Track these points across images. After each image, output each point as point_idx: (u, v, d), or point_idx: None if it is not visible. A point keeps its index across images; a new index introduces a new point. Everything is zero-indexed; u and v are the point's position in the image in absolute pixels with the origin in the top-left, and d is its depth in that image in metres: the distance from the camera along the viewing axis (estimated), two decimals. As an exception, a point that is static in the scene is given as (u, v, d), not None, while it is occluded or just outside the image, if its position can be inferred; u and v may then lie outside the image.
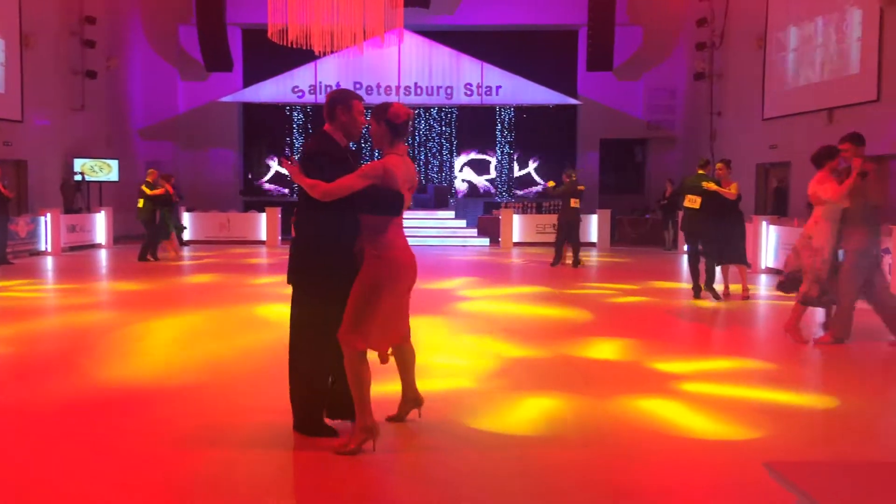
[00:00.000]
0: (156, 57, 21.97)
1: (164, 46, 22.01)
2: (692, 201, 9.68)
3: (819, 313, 7.95)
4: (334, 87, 21.46)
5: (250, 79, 22.10)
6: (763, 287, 11.31)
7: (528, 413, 4.73)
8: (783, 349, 6.85)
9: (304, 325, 4.11)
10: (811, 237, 6.93)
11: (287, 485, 3.71)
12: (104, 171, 18.84)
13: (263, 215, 19.39)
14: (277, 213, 19.32)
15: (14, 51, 16.62)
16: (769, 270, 13.17)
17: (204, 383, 5.49)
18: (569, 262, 14.00)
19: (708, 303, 9.53)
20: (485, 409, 4.77)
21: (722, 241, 9.56)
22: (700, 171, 9.87)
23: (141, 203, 14.42)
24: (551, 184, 14.61)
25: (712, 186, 9.49)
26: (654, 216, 20.04)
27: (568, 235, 13.84)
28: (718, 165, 9.83)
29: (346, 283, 3.95)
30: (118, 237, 18.57)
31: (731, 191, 9.47)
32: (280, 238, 19.36)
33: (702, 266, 9.79)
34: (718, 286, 9.78)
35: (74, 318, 8.35)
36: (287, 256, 4.22)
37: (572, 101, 21.53)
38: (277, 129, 23.10)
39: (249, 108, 22.84)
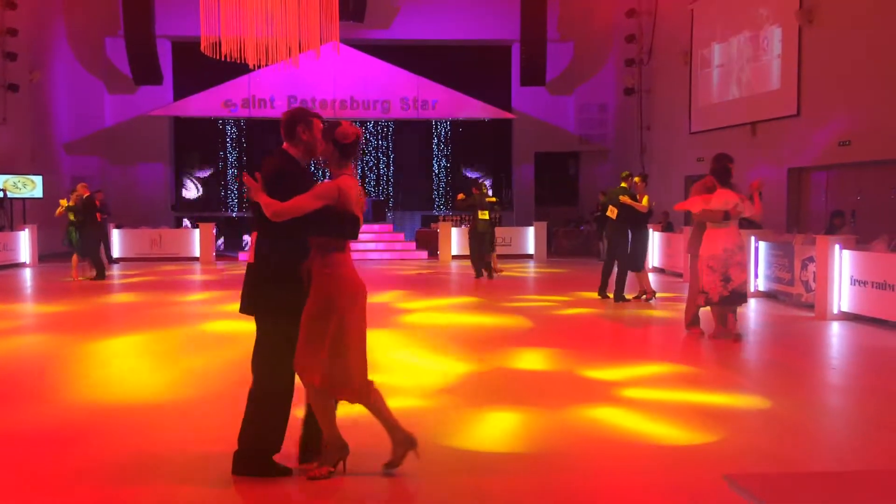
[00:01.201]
0: (81, 70, 21.32)
1: (91, 59, 21.39)
2: (612, 212, 10.59)
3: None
4: (268, 101, 21.23)
5: (181, 92, 21.66)
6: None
7: (487, 429, 4.74)
8: (703, 352, 7.09)
9: (265, 355, 3.88)
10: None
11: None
12: (28, 187, 18.14)
13: (197, 231, 18.97)
14: (212, 228, 18.94)
15: (-71, 62, 15.88)
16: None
17: (140, 409, 5.33)
18: (493, 273, 14.10)
19: (630, 310, 9.98)
20: (444, 427, 4.74)
21: (632, 249, 10.54)
22: (623, 185, 10.54)
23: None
24: (461, 196, 14.57)
25: (626, 200, 10.30)
26: (589, 228, 20.45)
27: (479, 247, 13.93)
28: (636, 179, 10.60)
29: (287, 310, 3.79)
30: (43, 255, 17.85)
31: (643, 204, 10.32)
32: (215, 255, 18.98)
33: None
34: (629, 294, 10.66)
35: (1, 343, 7.99)
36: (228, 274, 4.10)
37: (507, 115, 21.85)
38: (210, 142, 22.68)
39: (180, 122, 22.38)
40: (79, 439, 4.62)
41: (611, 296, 10.71)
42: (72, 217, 13.60)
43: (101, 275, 13.78)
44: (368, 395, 3.84)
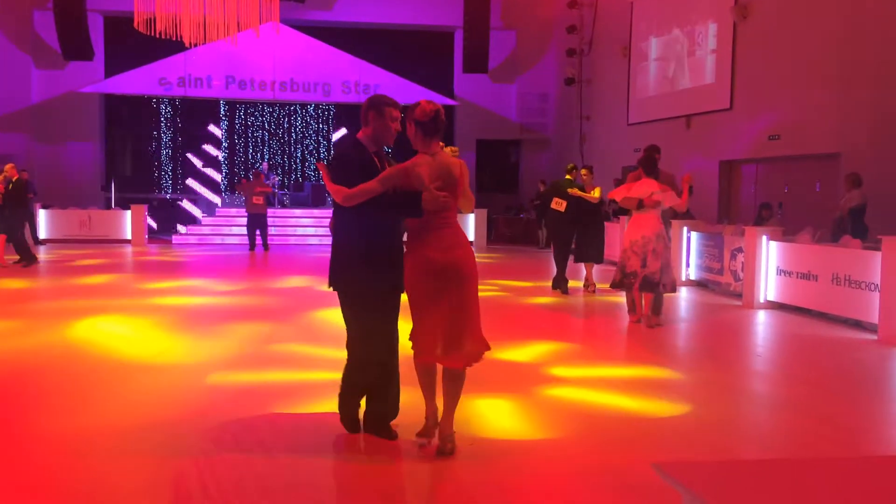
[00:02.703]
0: (7, 43, 20.40)
1: (17, 32, 20.49)
2: (558, 204, 10.36)
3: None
4: (205, 80, 20.70)
5: (113, 68, 20.94)
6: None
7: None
8: (630, 339, 7.26)
9: (351, 329, 4.17)
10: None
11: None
12: (-54, 164, 17.27)
13: (128, 212, 18.41)
14: (143, 210, 18.41)
15: None
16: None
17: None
18: None
19: (559, 298, 10.18)
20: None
21: (583, 241, 10.54)
22: (568, 177, 10.50)
23: None
24: None
25: (577, 192, 10.23)
26: (528, 216, 20.64)
27: None
28: (583, 171, 10.60)
29: (384, 286, 4.04)
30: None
31: (594, 195, 10.27)
32: (147, 237, 18.49)
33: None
34: (574, 282, 10.81)
35: None
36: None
37: (449, 101, 21.82)
38: (144, 121, 22.02)
39: (112, 100, 21.65)
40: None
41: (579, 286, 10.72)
42: None
43: (31, 259, 12.97)
44: (478, 357, 4.01)
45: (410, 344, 4.02)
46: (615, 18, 19.05)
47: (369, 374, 4.15)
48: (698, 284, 11.53)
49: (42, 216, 17.95)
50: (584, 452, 4.17)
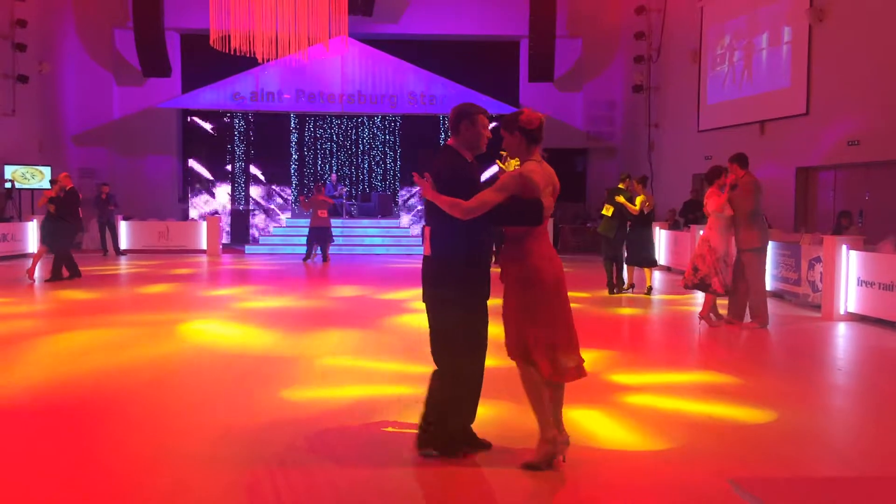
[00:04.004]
0: (90, 61, 21.35)
1: (100, 51, 21.41)
2: (606, 209, 11.29)
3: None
4: (276, 94, 21.23)
5: (189, 84, 21.67)
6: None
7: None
8: (707, 353, 7.08)
9: (443, 344, 4.04)
10: (709, 241, 8.30)
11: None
12: (36, 178, 18.20)
13: (204, 224, 19.02)
14: (218, 221, 18.99)
15: (-61, 53, 15.94)
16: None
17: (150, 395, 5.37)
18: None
19: (634, 308, 10.11)
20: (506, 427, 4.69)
21: (633, 246, 11.27)
22: (620, 185, 11.30)
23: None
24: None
25: (621, 199, 11.04)
26: (595, 225, 20.38)
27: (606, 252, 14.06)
28: (635, 180, 11.31)
29: (483, 298, 3.99)
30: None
31: (635, 205, 10.95)
32: (221, 247, 19.04)
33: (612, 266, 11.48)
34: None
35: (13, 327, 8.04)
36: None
37: (514, 110, 21.75)
38: (218, 135, 22.71)
39: (188, 115, 22.39)
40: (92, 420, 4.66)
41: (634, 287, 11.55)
42: (52, 210, 12.52)
43: (57, 276, 12.48)
44: (581, 373, 3.92)
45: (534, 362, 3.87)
46: (684, 23, 18.71)
47: (473, 384, 4.09)
48: (774, 295, 11.19)
49: (123, 227, 18.68)
50: (660, 462, 4.10)
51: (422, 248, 4.09)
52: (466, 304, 3.96)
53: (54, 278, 12.45)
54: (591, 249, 19.54)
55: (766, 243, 8.49)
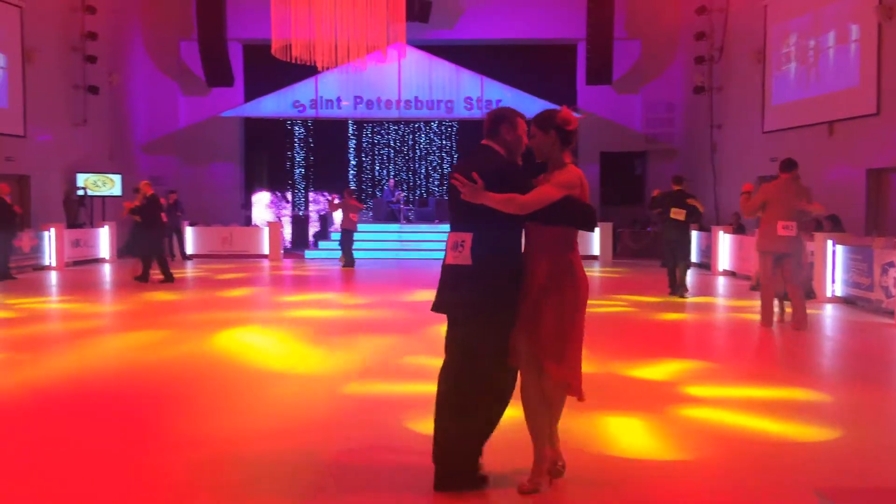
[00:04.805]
0: (157, 72, 22.04)
1: (166, 61, 22.09)
2: (678, 213, 11.15)
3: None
4: (334, 102, 21.54)
5: (251, 93, 22.18)
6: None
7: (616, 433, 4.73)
8: (779, 360, 6.89)
9: (471, 358, 3.70)
10: None
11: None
12: (107, 185, 18.87)
13: (266, 229, 19.44)
14: (279, 227, 19.40)
15: (16, 66, 16.68)
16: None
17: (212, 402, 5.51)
18: None
19: (701, 314, 9.74)
20: (576, 433, 4.62)
21: (679, 248, 11.50)
22: (678, 188, 11.39)
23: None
24: (656, 192, 15.10)
25: (694, 202, 11.19)
26: (655, 229, 20.08)
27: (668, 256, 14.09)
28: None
29: (513, 309, 3.71)
30: (122, 251, 18.57)
31: (699, 206, 11.38)
32: (282, 252, 19.42)
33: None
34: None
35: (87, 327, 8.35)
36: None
37: (572, 110, 21.60)
38: (278, 143, 23.16)
39: (250, 123, 22.90)
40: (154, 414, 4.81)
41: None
42: (137, 219, 13.33)
43: (145, 278, 13.09)
44: (563, 393, 3.76)
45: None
46: (747, 23, 18.30)
47: (503, 405, 3.83)
48: (844, 301, 10.85)
49: (189, 233, 19.21)
50: (721, 476, 4.03)
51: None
52: (508, 317, 3.72)
53: (143, 279, 13.07)
54: (650, 254, 19.26)
55: (765, 248, 8.35)
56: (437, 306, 3.84)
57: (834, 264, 11.06)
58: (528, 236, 3.76)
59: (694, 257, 16.54)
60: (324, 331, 8.55)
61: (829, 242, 11.13)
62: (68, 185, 18.42)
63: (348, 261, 16.74)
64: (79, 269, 15.98)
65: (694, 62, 20.32)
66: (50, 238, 15.78)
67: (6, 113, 16.35)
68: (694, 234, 16.17)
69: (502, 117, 3.88)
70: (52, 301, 11.56)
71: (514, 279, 3.72)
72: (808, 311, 8.56)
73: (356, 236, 17.36)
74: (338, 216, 17.88)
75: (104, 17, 19.48)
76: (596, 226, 3.82)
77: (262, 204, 23.28)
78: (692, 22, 20.21)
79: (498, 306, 3.69)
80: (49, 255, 15.78)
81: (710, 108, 20.03)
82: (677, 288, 11.47)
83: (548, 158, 3.83)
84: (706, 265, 16.23)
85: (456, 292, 3.72)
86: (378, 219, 21.41)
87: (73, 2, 18.59)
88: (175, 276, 13.64)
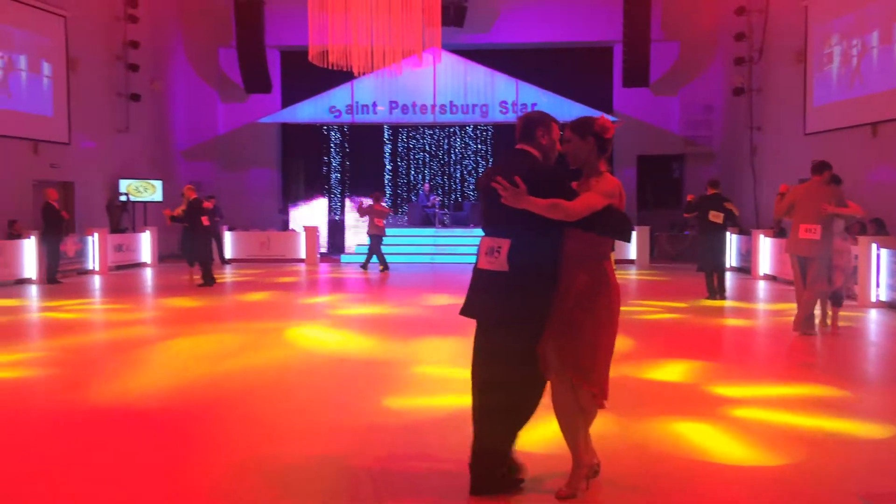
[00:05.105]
0: (197, 79, 22.43)
1: (205, 69, 22.47)
2: (717, 217, 11.13)
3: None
4: (370, 107, 21.67)
5: (288, 100, 22.42)
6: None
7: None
8: (818, 366, 6.75)
9: (503, 365, 3.68)
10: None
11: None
12: (149, 191, 19.23)
13: (303, 234, 19.63)
14: (316, 231, 19.56)
15: (61, 75, 17.10)
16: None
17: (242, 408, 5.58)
18: None
19: (737, 319, 9.70)
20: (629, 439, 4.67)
21: (719, 253, 11.52)
22: (714, 191, 11.43)
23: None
24: (690, 197, 15.30)
25: (730, 206, 11.19)
26: (694, 233, 19.81)
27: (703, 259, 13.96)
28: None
29: (546, 317, 3.67)
30: (163, 256, 18.92)
31: (735, 209, 11.41)
32: (319, 256, 19.58)
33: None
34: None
35: (132, 333, 8.52)
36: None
37: (609, 117, 21.45)
38: (315, 148, 23.38)
39: (288, 129, 23.16)
40: (190, 428, 4.88)
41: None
42: (186, 226, 13.77)
43: (208, 281, 13.40)
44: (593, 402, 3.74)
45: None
46: (788, 23, 17.99)
47: (531, 410, 3.81)
48: (889, 306, 10.59)
49: (228, 238, 19.49)
50: (781, 479, 3.98)
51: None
52: (540, 325, 3.67)
53: (207, 283, 13.37)
54: (688, 258, 19.02)
55: (790, 250, 8.31)
56: (467, 310, 3.82)
57: (878, 268, 10.81)
58: (566, 244, 3.70)
59: (734, 261, 16.43)
60: (365, 335, 8.58)
61: (874, 246, 10.89)
62: (111, 191, 18.83)
63: (384, 265, 16.84)
64: (121, 274, 16.31)
65: (733, 63, 20.03)
66: (94, 243, 16.14)
67: (52, 121, 16.78)
68: (734, 238, 16.10)
69: (538, 121, 3.84)
70: (97, 305, 11.81)
71: (550, 287, 3.67)
72: (851, 313, 8.39)
73: (385, 241, 17.38)
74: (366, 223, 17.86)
75: (146, 26, 19.89)
76: (631, 235, 3.79)
77: (298, 209, 23.49)
78: (731, 23, 19.94)
79: (532, 313, 3.65)
80: (93, 260, 16.14)
81: (749, 110, 19.73)
82: (715, 292, 11.37)
83: (584, 165, 3.79)
84: (746, 269, 15.98)
85: (490, 297, 3.68)
86: (413, 223, 21.48)
87: (116, 11, 19.01)
88: (216, 280, 13.85)
